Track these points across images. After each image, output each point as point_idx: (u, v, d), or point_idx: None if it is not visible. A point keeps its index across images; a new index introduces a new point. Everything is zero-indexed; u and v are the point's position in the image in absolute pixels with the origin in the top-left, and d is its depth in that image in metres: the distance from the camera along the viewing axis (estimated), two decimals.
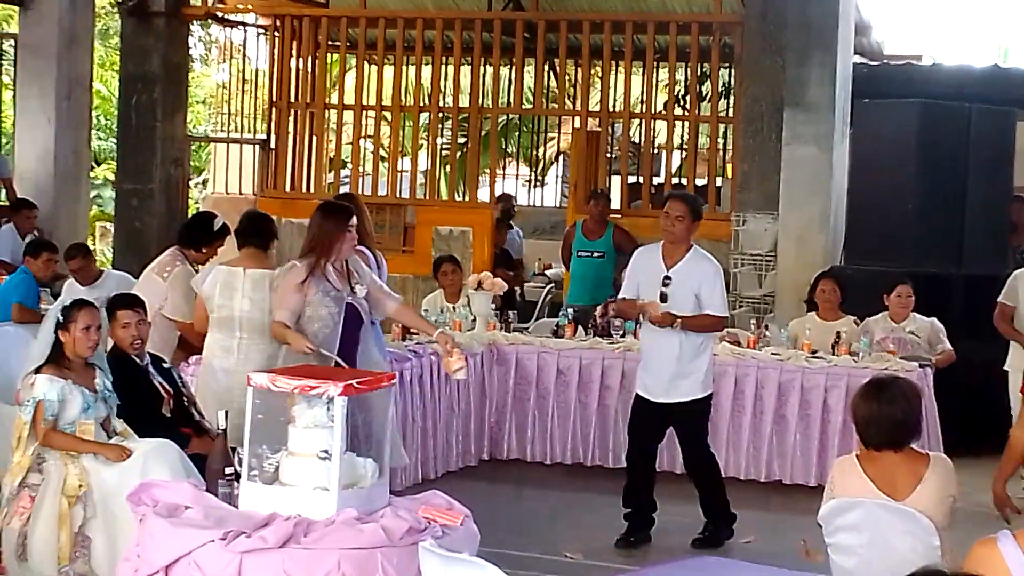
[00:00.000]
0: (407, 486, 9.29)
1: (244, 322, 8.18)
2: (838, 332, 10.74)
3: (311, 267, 7.61)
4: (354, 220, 7.84)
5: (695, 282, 8.61)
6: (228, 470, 5.33)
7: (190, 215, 16.97)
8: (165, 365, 7.86)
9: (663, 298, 8.61)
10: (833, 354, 10.56)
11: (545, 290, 15.63)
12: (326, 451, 5.09)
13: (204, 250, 9.31)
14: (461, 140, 18.10)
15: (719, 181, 16.12)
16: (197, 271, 8.91)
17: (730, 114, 16.08)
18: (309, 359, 7.23)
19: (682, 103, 17.22)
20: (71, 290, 10.76)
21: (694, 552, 8.53)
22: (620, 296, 9.09)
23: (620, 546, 8.65)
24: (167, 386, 7.64)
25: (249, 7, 17.66)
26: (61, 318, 6.94)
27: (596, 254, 13.33)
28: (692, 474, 9.03)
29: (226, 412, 5.55)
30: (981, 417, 10.42)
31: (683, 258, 8.66)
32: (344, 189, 17.69)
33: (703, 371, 8.73)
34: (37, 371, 6.86)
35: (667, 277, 8.64)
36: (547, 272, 16.45)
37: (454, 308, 11.51)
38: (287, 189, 16.88)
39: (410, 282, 15.88)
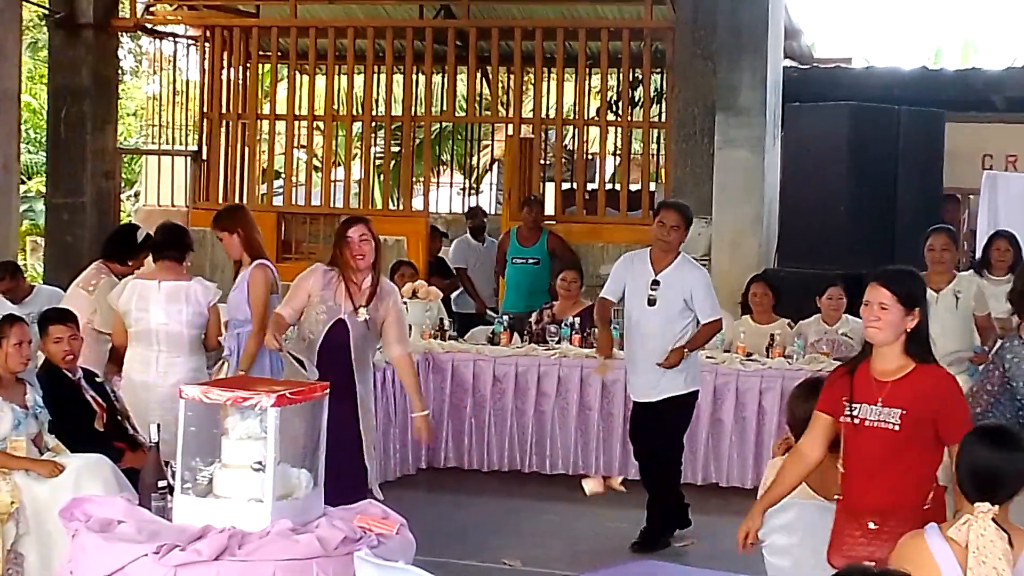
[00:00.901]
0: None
1: (161, 335, 8.16)
2: (772, 335, 10.81)
3: (326, 272, 7.81)
4: (357, 229, 7.86)
5: (685, 288, 8.86)
6: (161, 483, 5.29)
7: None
8: (98, 379, 7.82)
9: (651, 302, 8.86)
10: (767, 357, 10.62)
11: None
12: (260, 463, 5.07)
13: (130, 263, 9.21)
14: (395, 149, 18.06)
15: (652, 186, 16.17)
16: None
17: (663, 119, 16.12)
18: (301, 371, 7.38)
19: (615, 109, 17.26)
20: (1, 307, 10.65)
21: (633, 556, 8.55)
22: (602, 297, 9.20)
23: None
24: (100, 400, 7.59)
25: (179, 18, 17.56)
26: None
27: (531, 261, 13.35)
28: (650, 471, 9.06)
29: (158, 425, 5.51)
30: None
31: (671, 264, 8.93)
32: (277, 200, 17.64)
33: (689, 368, 8.93)
34: None
35: (655, 281, 8.88)
36: None
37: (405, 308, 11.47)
38: (220, 200, 16.75)
39: None
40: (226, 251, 8.74)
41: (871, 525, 5.17)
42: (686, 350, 8.80)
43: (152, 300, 8.27)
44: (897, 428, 5.16)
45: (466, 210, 16.39)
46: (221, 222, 8.67)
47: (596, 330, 9.63)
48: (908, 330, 5.26)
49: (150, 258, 8.88)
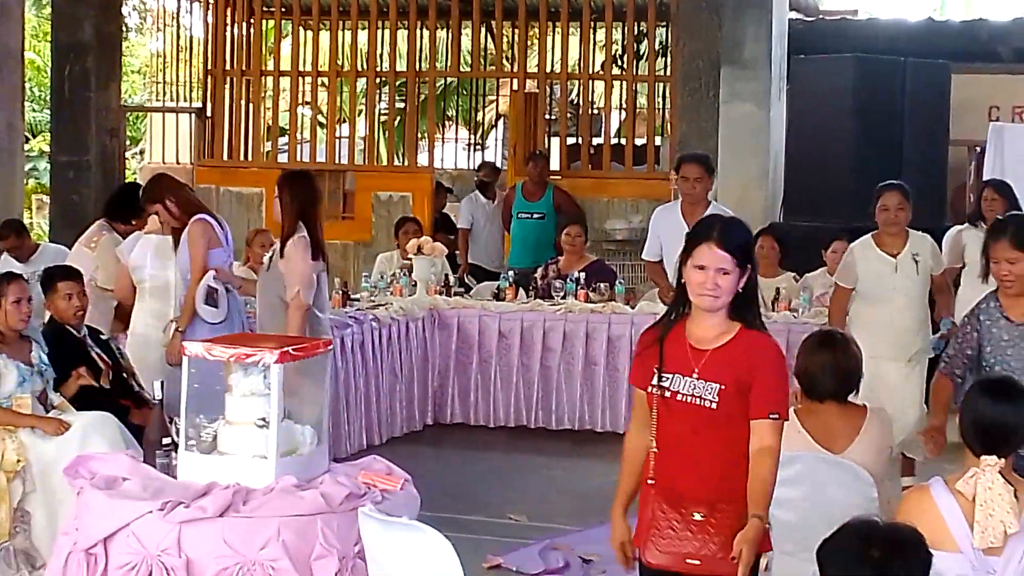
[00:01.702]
0: (352, 453, 9.29)
1: (180, 290, 8.15)
2: (778, 288, 10.78)
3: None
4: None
5: None
6: (165, 441, 5.29)
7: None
8: (103, 337, 7.82)
9: None
10: (773, 310, 10.59)
11: None
12: (264, 419, 5.07)
13: (134, 222, 9.18)
14: (399, 105, 18.02)
15: (658, 140, 16.13)
16: None
17: (668, 73, 16.06)
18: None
19: (620, 63, 17.21)
20: (7, 266, 10.65)
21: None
22: (646, 260, 9.52)
23: None
24: (105, 358, 7.60)
25: None
26: None
27: (536, 215, 13.32)
28: None
29: (162, 382, 5.51)
30: (932, 369, 10.45)
31: (704, 213, 8.82)
32: (282, 157, 17.60)
33: None
34: None
35: None
36: None
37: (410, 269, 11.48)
38: (224, 158, 16.77)
39: (350, 248, 15.85)
40: (163, 224, 8.56)
41: (696, 516, 4.51)
42: None
43: (171, 256, 8.25)
44: (714, 406, 4.49)
45: (477, 165, 16.26)
46: (145, 197, 8.51)
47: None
48: (739, 290, 4.57)
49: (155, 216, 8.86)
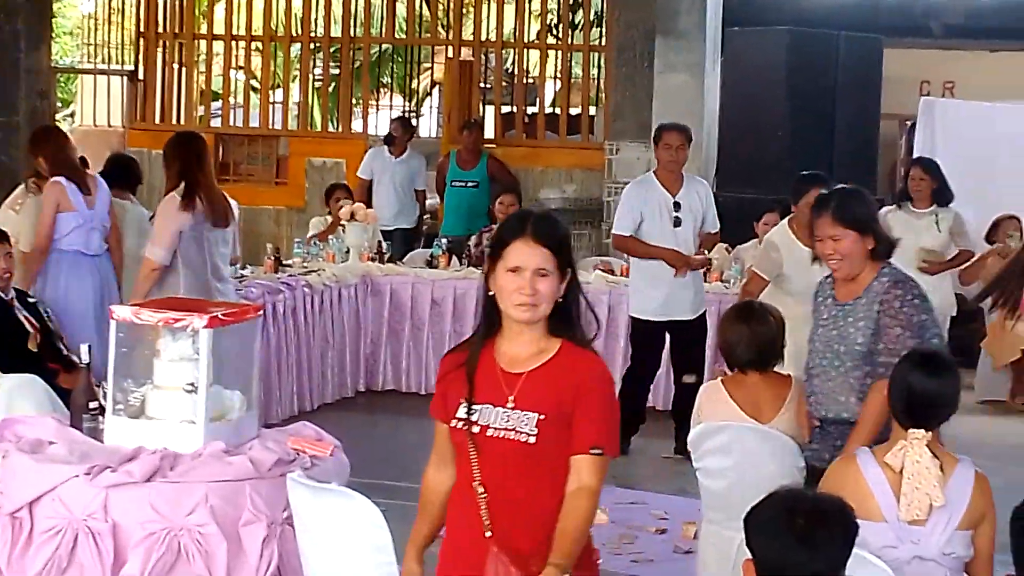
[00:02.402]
0: (283, 419, 9.26)
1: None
2: (710, 259, 10.81)
3: None
4: None
5: (699, 204, 9.33)
6: (93, 405, 5.25)
7: None
8: (31, 299, 7.75)
9: (677, 223, 9.22)
10: (705, 281, 10.63)
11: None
12: (192, 384, 5.04)
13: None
14: (334, 71, 17.91)
15: (592, 110, 16.14)
16: None
17: (603, 43, 16.05)
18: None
19: (555, 32, 17.18)
20: None
21: None
22: (620, 235, 9.34)
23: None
24: (33, 321, 7.53)
25: None
26: None
27: (470, 184, 13.31)
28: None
29: (88, 346, 5.46)
30: None
31: (684, 183, 9.29)
32: (215, 121, 17.46)
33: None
34: None
35: (676, 203, 9.21)
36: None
37: (340, 235, 11.44)
38: (156, 121, 16.63)
39: (283, 214, 15.77)
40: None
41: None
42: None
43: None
44: (532, 439, 3.81)
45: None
46: (29, 146, 8.80)
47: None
48: (560, 299, 3.87)
49: None
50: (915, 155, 12.45)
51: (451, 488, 4.01)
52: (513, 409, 3.84)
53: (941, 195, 10.06)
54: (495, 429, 3.86)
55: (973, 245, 10.39)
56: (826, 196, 5.73)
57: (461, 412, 3.88)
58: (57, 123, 17.47)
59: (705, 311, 9.57)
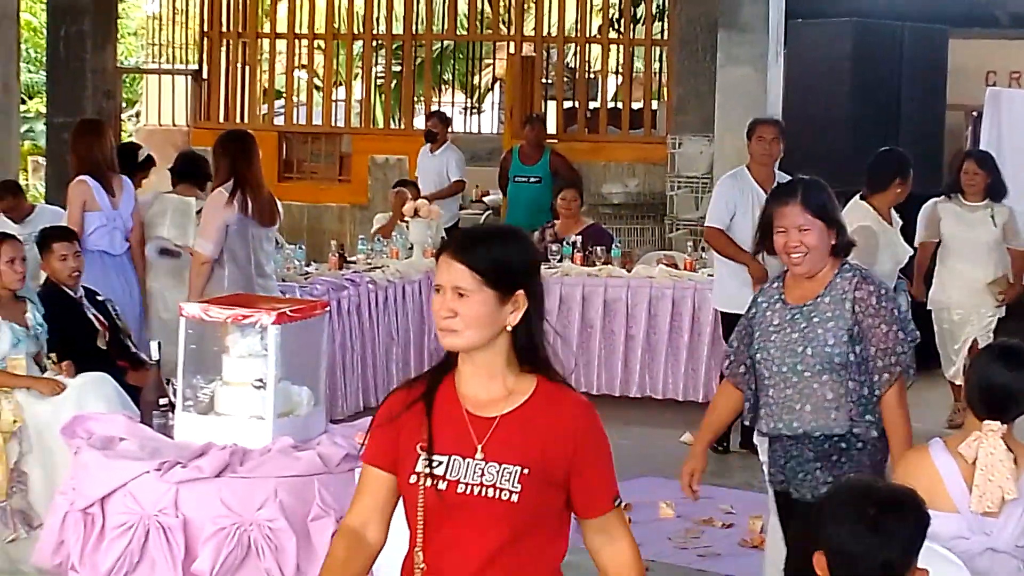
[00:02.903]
0: (349, 414, 9.30)
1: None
2: None
3: None
4: None
5: None
6: (162, 401, 5.30)
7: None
8: (99, 298, 7.81)
9: None
10: None
11: (483, 217, 15.58)
12: (261, 380, 5.07)
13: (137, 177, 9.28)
14: (396, 68, 17.97)
15: (655, 104, 16.09)
16: None
17: (665, 37, 16.01)
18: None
19: (616, 26, 17.16)
20: (3, 227, 10.63)
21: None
22: (713, 227, 9.21)
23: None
24: (102, 319, 7.59)
25: None
26: None
27: (533, 179, 13.30)
28: None
29: (159, 343, 5.51)
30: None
31: (775, 179, 8.99)
32: (278, 119, 17.55)
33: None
34: None
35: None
36: (484, 199, 16.40)
37: (403, 231, 11.47)
38: (220, 120, 16.72)
39: (347, 211, 15.82)
40: None
41: None
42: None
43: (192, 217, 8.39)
44: (516, 498, 3.19)
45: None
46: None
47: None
48: (510, 327, 3.25)
49: (151, 178, 8.93)
50: (981, 146, 12.35)
51: (377, 550, 3.36)
52: (486, 461, 3.21)
53: (995, 190, 9.79)
54: (467, 485, 3.20)
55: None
56: (791, 183, 5.35)
57: (421, 465, 3.22)
58: (122, 122, 17.64)
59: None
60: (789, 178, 9.22)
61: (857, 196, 8.61)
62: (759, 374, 5.16)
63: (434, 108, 16.16)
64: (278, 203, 8.28)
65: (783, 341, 5.05)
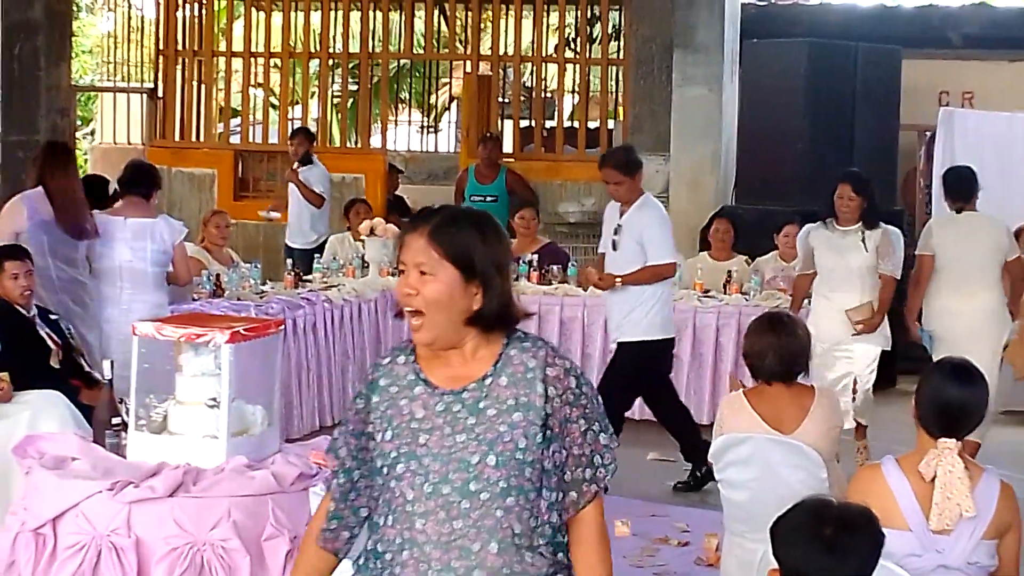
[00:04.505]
0: (304, 433, 9.28)
1: (125, 272, 8.18)
2: (729, 271, 10.84)
3: None
4: None
5: (638, 231, 8.80)
6: (115, 420, 5.26)
7: (77, 166, 16.70)
8: (52, 316, 7.77)
9: (614, 246, 8.90)
10: (725, 293, 10.65)
11: None
12: (214, 399, 5.04)
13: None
14: (352, 87, 17.96)
15: (611, 124, 16.14)
16: None
17: (621, 56, 16.06)
18: None
19: (573, 46, 17.20)
20: None
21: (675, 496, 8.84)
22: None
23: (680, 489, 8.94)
24: (55, 337, 7.55)
25: None
26: None
27: (489, 198, 13.32)
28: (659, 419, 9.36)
29: (111, 362, 5.47)
30: None
31: (631, 207, 8.85)
32: (234, 138, 17.51)
33: (645, 314, 8.83)
34: None
35: (619, 226, 8.89)
36: None
37: (362, 246, 11.47)
38: (176, 139, 16.68)
39: None
40: None
41: None
42: (618, 280, 8.90)
43: (118, 237, 8.30)
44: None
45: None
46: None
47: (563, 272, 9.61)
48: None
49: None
50: (935, 166, 12.43)
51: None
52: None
53: (870, 215, 9.09)
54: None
55: (897, 269, 9.19)
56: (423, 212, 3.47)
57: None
58: (76, 140, 17.55)
59: (642, 340, 8.92)
60: (655, 202, 9.03)
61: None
62: (389, 499, 3.33)
63: (299, 126, 15.97)
64: (94, 219, 8.33)
65: (441, 446, 3.31)
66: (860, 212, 9.03)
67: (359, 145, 17.00)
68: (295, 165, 13.54)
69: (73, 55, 17.10)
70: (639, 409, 10.47)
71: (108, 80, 18.46)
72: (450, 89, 21.17)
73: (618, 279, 8.81)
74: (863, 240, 9.04)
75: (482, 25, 17.08)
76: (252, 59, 16.86)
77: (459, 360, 3.38)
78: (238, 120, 17.90)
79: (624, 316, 8.84)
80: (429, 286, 3.31)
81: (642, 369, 8.94)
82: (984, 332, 9.15)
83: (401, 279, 3.34)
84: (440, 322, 3.32)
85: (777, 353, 5.76)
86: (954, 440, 4.45)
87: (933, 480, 4.39)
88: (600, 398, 3.42)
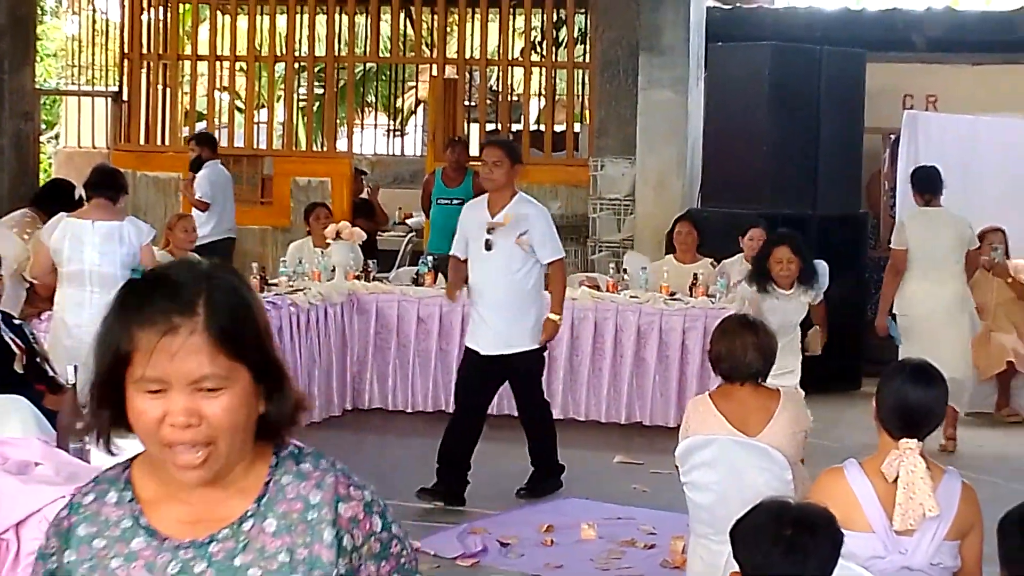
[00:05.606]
0: None
1: (94, 276, 8.12)
2: (695, 274, 10.86)
3: None
4: None
5: (520, 230, 8.55)
6: (79, 426, 5.24)
7: (42, 170, 16.67)
8: (16, 321, 7.72)
9: (488, 246, 8.56)
10: (690, 296, 10.67)
11: (406, 239, 15.59)
12: None
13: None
14: (318, 90, 17.94)
15: (577, 127, 16.17)
16: None
17: (587, 60, 16.09)
18: None
19: (539, 49, 17.22)
20: None
21: (522, 501, 8.68)
22: (452, 254, 9.03)
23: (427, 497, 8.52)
24: (19, 342, 7.50)
25: None
26: None
27: (455, 201, 13.27)
28: (524, 423, 9.02)
29: (75, 367, 5.45)
30: (835, 356, 10.44)
31: (507, 205, 8.58)
32: None
33: (535, 321, 8.66)
34: None
35: (492, 227, 8.57)
36: (407, 221, 16.40)
37: (322, 254, 11.44)
38: (141, 142, 16.62)
39: (269, 233, 15.76)
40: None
41: None
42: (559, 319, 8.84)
43: (86, 241, 8.26)
44: None
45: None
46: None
47: None
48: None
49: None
50: (899, 169, 12.47)
51: None
52: None
53: (807, 276, 8.72)
54: None
55: (820, 295, 8.90)
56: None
57: None
58: (41, 145, 17.47)
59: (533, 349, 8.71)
60: (532, 203, 8.65)
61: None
62: None
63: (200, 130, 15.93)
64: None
65: None
66: (799, 274, 8.68)
67: (325, 148, 16.98)
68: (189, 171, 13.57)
69: (37, 58, 17.04)
70: (605, 412, 10.52)
71: (72, 84, 18.39)
72: (416, 93, 21.17)
73: (557, 319, 8.67)
74: (801, 297, 8.75)
75: (448, 29, 17.09)
76: (217, 63, 16.82)
77: (204, 494, 2.32)
78: (204, 124, 17.85)
79: (509, 327, 8.56)
80: (215, 406, 2.26)
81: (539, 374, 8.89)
82: (954, 313, 10.07)
83: (159, 405, 2.28)
84: (229, 450, 2.29)
85: (758, 350, 5.78)
86: (916, 440, 4.47)
87: (896, 481, 4.41)
88: (410, 538, 2.54)
